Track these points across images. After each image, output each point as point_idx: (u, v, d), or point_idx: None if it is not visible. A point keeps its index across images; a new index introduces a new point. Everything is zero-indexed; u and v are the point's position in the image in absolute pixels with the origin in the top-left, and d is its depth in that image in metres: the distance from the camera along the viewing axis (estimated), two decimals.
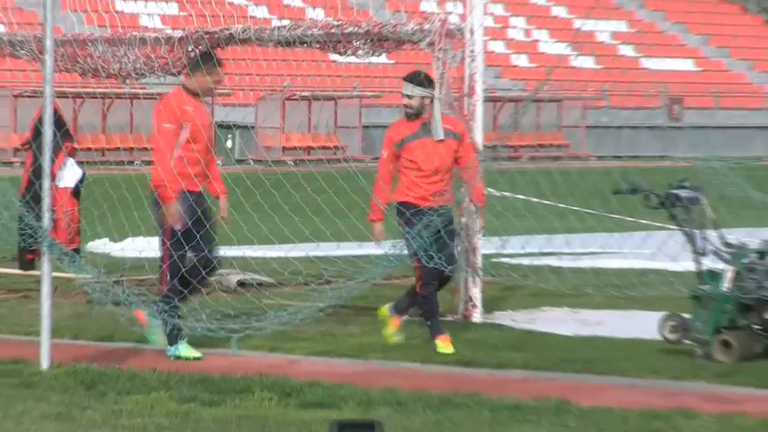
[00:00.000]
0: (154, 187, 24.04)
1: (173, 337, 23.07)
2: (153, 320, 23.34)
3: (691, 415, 19.78)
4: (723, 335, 23.30)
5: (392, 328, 24.71)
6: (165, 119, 24.39)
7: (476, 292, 26.89)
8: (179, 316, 23.26)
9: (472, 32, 27.49)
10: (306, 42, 30.95)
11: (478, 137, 27.27)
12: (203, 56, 24.75)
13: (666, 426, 19.11)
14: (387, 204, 25.46)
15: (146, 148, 56.11)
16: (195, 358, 22.97)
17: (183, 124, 24.03)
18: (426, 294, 24.42)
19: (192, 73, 24.55)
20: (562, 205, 31.26)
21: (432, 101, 25.38)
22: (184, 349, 23.14)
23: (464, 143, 25.92)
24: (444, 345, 24.24)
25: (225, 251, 26.00)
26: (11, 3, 45.54)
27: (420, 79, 25.38)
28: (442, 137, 24.68)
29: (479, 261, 25.61)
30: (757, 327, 23.39)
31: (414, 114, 24.93)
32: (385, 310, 25.34)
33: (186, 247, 23.26)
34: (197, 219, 23.47)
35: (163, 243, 23.69)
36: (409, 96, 25.47)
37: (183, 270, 23.55)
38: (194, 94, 24.60)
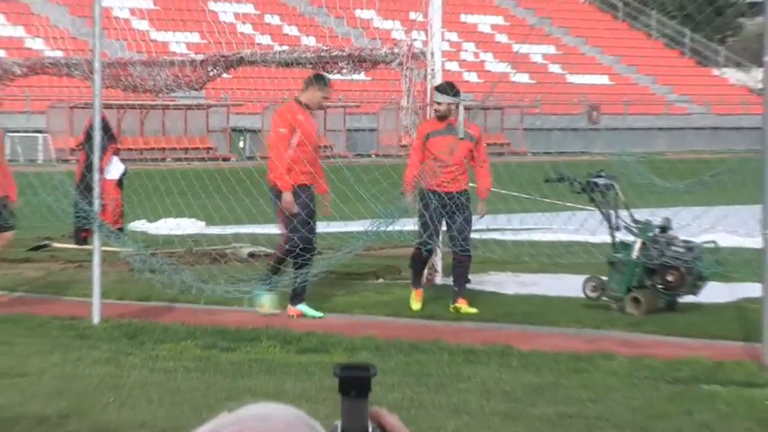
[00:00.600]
0: (273, 181, 24.24)
1: (297, 299, 23.34)
2: (260, 290, 23.48)
3: (609, 357, 19.85)
4: (633, 293, 23.50)
5: (415, 298, 24.56)
6: (280, 124, 24.45)
7: (437, 261, 26.94)
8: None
9: (432, 55, 27.57)
10: (301, 63, 31.01)
11: None
12: (316, 76, 24.77)
13: (589, 365, 19.20)
14: (415, 179, 25.13)
15: (174, 148, 55.74)
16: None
17: (295, 130, 23.94)
18: (417, 259, 24.63)
19: (305, 88, 24.61)
20: (504, 191, 31.22)
21: (457, 106, 25.51)
22: (307, 309, 23.25)
23: (479, 146, 26.05)
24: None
25: (241, 229, 25.99)
26: (67, 33, 45.20)
27: (448, 90, 25.55)
28: (462, 136, 24.69)
29: (440, 237, 25.57)
30: (660, 286, 23.63)
31: (442, 116, 25.04)
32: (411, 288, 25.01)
33: (300, 230, 23.52)
34: (307, 208, 23.67)
35: (281, 226, 23.91)
36: (439, 103, 25.40)
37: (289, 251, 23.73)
38: (305, 106, 24.51)
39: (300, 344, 20.82)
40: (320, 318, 23.32)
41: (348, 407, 2.88)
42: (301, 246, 23.34)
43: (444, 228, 24.89)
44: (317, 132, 24.60)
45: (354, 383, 2.90)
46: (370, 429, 2.84)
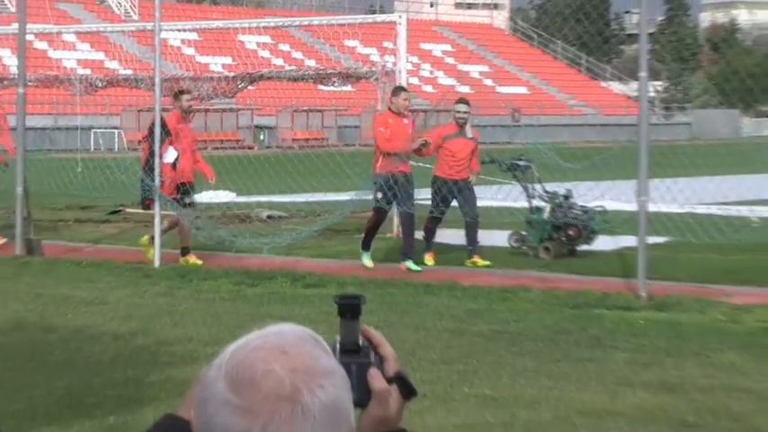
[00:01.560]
0: (375, 168, 23.81)
1: (365, 247, 23.28)
2: (364, 253, 23.44)
3: (527, 289, 19.87)
4: (545, 243, 23.63)
5: (429, 260, 24.16)
6: (379, 125, 24.02)
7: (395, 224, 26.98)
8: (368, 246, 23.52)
9: (399, 72, 27.47)
10: (305, 79, 30.98)
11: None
12: (395, 88, 24.63)
13: (513, 296, 19.28)
14: (429, 155, 25.12)
15: (213, 140, 55.42)
16: (369, 268, 22.85)
17: (388, 130, 23.59)
18: (430, 228, 24.41)
19: (392, 98, 24.22)
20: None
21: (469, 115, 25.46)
22: (366, 259, 23.18)
23: (476, 146, 25.46)
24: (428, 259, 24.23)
25: (262, 198, 25.95)
26: (135, 57, 44.93)
27: (467, 102, 25.43)
28: (470, 136, 24.67)
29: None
30: (564, 239, 23.79)
31: (462, 123, 24.60)
32: (423, 254, 24.34)
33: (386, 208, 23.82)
34: (402, 187, 23.46)
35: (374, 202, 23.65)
36: (460, 111, 25.10)
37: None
38: (395, 112, 24.01)
39: (305, 281, 20.88)
40: (419, 271, 22.86)
41: (344, 326, 2.88)
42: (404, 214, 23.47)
43: (455, 204, 24.64)
44: (407, 130, 24.36)
45: (349, 309, 2.90)
46: (360, 342, 2.83)
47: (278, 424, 2.36)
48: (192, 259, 23.64)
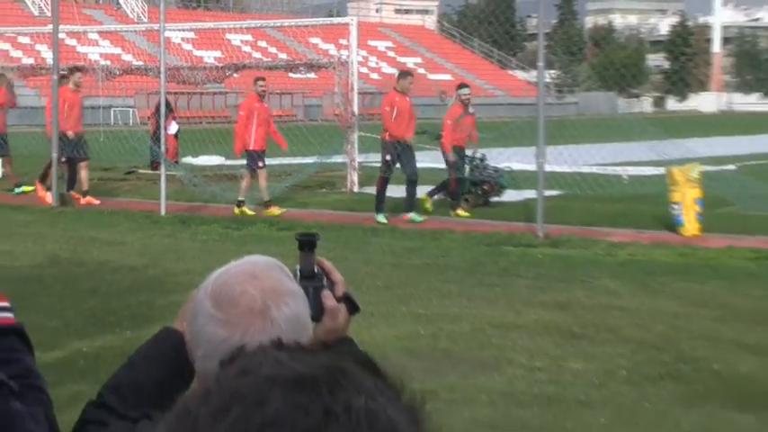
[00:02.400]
0: (383, 138, 23.07)
1: (378, 210, 22.29)
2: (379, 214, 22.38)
3: (451, 232, 19.84)
4: (465, 196, 23.46)
5: (428, 204, 23.77)
6: (387, 104, 23.15)
7: (355, 177, 26.69)
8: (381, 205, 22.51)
9: (352, 63, 27.30)
10: (278, 68, 30.85)
11: (355, 109, 27.07)
12: (403, 72, 24.20)
13: (440, 236, 19.29)
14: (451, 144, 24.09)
15: (206, 117, 54.58)
16: (382, 222, 21.82)
17: (395, 108, 22.82)
18: (456, 188, 23.86)
19: (398, 81, 23.52)
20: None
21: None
22: (380, 218, 22.06)
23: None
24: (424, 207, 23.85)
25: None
26: (145, 52, 44.50)
27: (468, 86, 24.96)
28: (471, 111, 24.21)
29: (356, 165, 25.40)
30: (479, 192, 23.72)
31: (467, 102, 24.03)
32: (424, 195, 24.05)
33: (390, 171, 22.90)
34: (406, 152, 22.94)
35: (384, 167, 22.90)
36: (465, 94, 24.42)
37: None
38: (400, 92, 23.26)
39: (278, 225, 20.77)
40: (422, 221, 22.15)
41: (303, 257, 2.94)
42: (387, 177, 22.64)
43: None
44: (410, 107, 23.76)
45: (307, 243, 2.95)
46: (315, 269, 2.89)
47: (252, 333, 2.44)
48: (276, 210, 23.06)
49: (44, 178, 25.17)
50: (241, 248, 18.34)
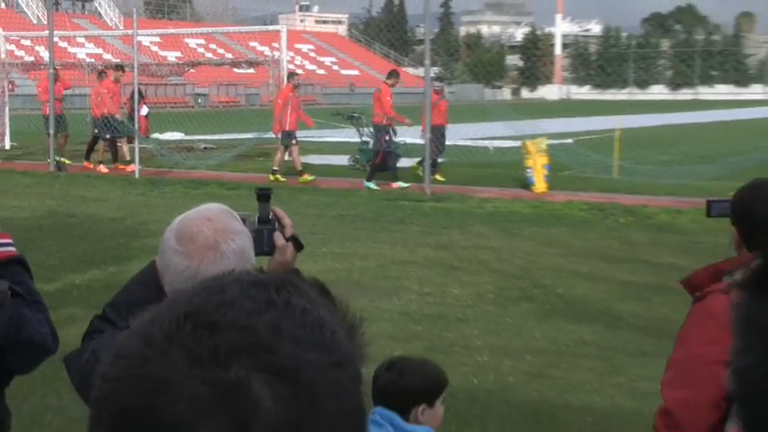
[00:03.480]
0: (380, 122, 21.60)
1: (370, 179, 20.86)
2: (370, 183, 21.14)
3: (359, 190, 19.89)
4: (370, 162, 23.31)
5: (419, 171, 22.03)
6: (387, 95, 21.64)
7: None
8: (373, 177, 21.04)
9: (282, 61, 27.00)
10: (225, 64, 30.43)
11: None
12: (392, 71, 22.65)
13: (352, 194, 19.36)
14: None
15: (170, 102, 53.37)
16: (373, 189, 20.44)
17: (392, 98, 21.63)
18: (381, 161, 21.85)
19: (388, 77, 22.05)
20: (320, 120, 30.71)
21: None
22: (371, 185, 20.62)
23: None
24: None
25: (203, 136, 25.58)
26: (121, 52, 43.57)
27: (441, 78, 24.08)
28: (447, 97, 23.36)
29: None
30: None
31: (440, 91, 22.91)
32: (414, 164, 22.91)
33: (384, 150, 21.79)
34: (391, 134, 21.69)
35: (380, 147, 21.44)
36: (438, 84, 23.64)
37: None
38: (391, 86, 21.60)
39: (227, 186, 20.54)
40: (407, 187, 20.92)
41: (260, 206, 3.01)
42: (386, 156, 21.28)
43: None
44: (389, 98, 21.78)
45: (264, 196, 3.00)
46: (270, 216, 2.94)
47: (206, 263, 2.52)
48: (308, 177, 21.85)
49: (88, 154, 24.55)
50: (199, 203, 18.15)
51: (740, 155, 24.56)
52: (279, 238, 3.00)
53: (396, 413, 3.63)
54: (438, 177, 21.74)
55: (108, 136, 24.15)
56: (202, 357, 0.85)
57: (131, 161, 23.85)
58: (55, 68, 25.33)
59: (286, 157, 22.87)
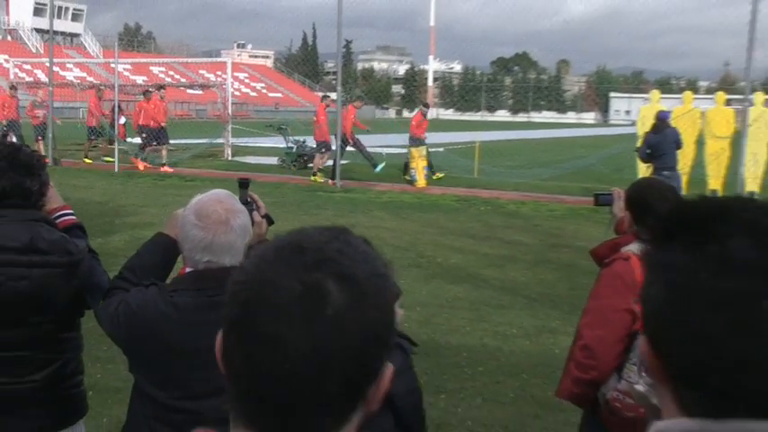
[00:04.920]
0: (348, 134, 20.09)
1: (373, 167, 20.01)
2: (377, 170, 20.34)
3: (287, 183, 19.61)
4: (294, 163, 23.05)
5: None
6: (353, 115, 20.33)
7: (229, 151, 25.92)
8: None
9: (226, 86, 26.40)
10: (181, 86, 29.65)
11: (230, 111, 26.26)
12: (357, 96, 21.94)
13: (281, 187, 18.90)
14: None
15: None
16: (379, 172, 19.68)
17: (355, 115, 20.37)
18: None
19: (354, 100, 20.73)
20: (254, 130, 30.01)
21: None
22: (379, 169, 19.98)
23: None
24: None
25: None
26: (102, 76, 42.08)
27: (427, 105, 21.99)
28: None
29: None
30: (303, 161, 23.23)
31: (425, 113, 20.66)
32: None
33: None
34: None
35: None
36: (424, 108, 21.41)
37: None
38: (355, 106, 20.66)
39: (186, 179, 20.03)
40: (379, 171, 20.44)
41: (241, 192, 3.01)
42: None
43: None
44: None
45: (244, 183, 3.01)
46: (248, 199, 2.93)
47: (219, 234, 2.47)
48: (320, 178, 20.23)
49: (141, 150, 23.10)
50: (164, 192, 17.76)
51: (562, 162, 25.13)
52: (256, 216, 2.95)
53: None
54: (438, 175, 20.96)
55: (155, 143, 22.80)
56: (297, 267, 1.07)
57: (165, 164, 22.64)
58: (100, 88, 24.65)
59: (329, 161, 21.04)
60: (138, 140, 24.73)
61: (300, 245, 1.10)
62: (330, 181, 19.89)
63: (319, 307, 1.04)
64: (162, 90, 24.21)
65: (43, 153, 23.06)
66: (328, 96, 21.75)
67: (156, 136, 22.77)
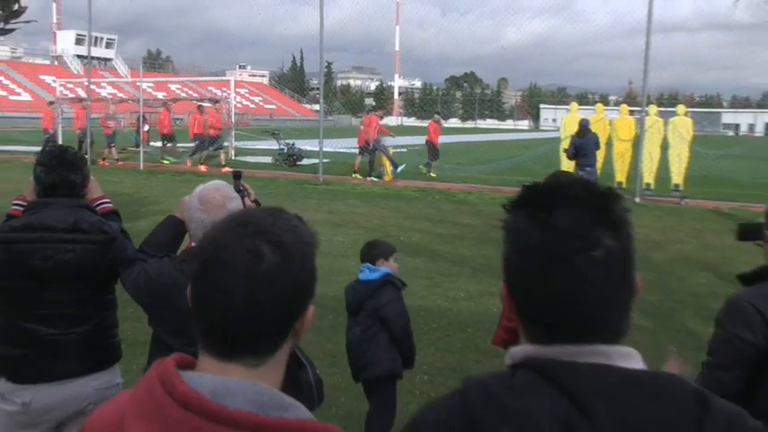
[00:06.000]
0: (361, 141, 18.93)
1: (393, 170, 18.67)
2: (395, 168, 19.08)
3: (278, 178, 19.33)
4: (285, 160, 22.78)
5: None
6: (376, 122, 18.95)
7: (232, 152, 25.62)
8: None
9: (230, 100, 26.09)
10: (193, 100, 29.03)
11: (233, 120, 25.97)
12: (375, 107, 20.89)
13: (272, 181, 18.58)
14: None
15: (155, 124, 51.16)
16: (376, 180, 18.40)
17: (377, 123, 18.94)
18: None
19: (375, 110, 19.71)
20: (259, 137, 29.44)
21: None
22: (400, 170, 18.94)
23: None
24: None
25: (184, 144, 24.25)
26: (129, 92, 41.13)
27: (439, 113, 20.40)
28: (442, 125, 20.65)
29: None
30: (293, 158, 22.98)
31: (438, 120, 20.17)
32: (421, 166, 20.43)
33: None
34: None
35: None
36: (436, 116, 20.70)
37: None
38: (379, 117, 19.53)
39: (198, 175, 19.81)
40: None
41: (235, 182, 3.05)
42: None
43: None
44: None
45: (237, 174, 3.03)
46: (241, 188, 2.94)
47: (218, 216, 2.41)
48: (357, 176, 19.28)
49: (193, 153, 22.20)
50: (182, 185, 17.44)
51: (501, 160, 25.18)
52: (247, 201, 2.93)
53: (370, 263, 4.22)
54: (432, 174, 20.15)
55: (212, 148, 22.00)
56: (241, 236, 1.17)
57: (223, 165, 21.46)
58: (201, 106, 23.26)
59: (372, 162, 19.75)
60: (159, 143, 24.36)
61: (245, 219, 1.20)
62: (368, 178, 19.07)
63: (256, 265, 1.14)
64: (217, 104, 23.83)
65: (115, 157, 22.52)
66: (374, 109, 20.41)
67: (213, 142, 22.02)
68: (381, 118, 20.05)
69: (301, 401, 1.17)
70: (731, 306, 2.30)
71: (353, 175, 19.66)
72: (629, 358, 1.10)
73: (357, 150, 19.92)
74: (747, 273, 2.38)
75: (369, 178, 19.04)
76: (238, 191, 2.95)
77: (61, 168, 3.02)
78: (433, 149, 21.07)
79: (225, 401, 1.08)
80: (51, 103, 24.36)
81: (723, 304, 2.34)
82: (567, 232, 1.09)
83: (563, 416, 1.03)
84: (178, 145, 25.17)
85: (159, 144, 25.27)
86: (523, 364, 1.11)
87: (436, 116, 21.49)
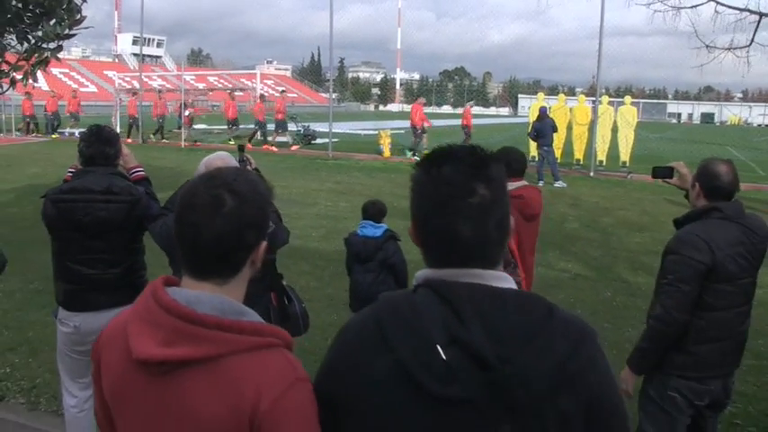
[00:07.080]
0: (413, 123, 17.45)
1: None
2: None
3: (294, 155, 19.08)
4: (302, 141, 22.02)
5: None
6: (419, 110, 17.38)
7: (269, 136, 25.13)
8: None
9: (257, 90, 25.59)
10: (227, 90, 28.23)
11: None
12: (418, 96, 18.76)
13: (291, 157, 18.18)
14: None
15: (201, 110, 49.60)
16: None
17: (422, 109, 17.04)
18: None
19: (417, 99, 17.82)
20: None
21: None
22: (409, 155, 17.45)
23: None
24: None
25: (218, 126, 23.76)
26: (174, 83, 40.39)
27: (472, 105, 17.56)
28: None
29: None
30: (308, 138, 22.49)
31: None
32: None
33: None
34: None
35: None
36: (467, 106, 18.84)
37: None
38: (422, 105, 17.88)
39: (229, 151, 19.73)
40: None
41: (239, 154, 3.05)
42: None
43: None
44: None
45: (241, 147, 3.08)
46: (244, 159, 3.01)
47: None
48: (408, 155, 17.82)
49: (251, 138, 21.59)
50: (194, 158, 17.37)
51: (485, 139, 24.91)
52: (248, 167, 2.99)
53: (372, 221, 4.25)
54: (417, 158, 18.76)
55: (280, 131, 21.28)
56: (209, 186, 1.28)
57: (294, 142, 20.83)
58: (263, 96, 22.34)
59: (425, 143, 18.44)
60: (197, 126, 24.03)
61: (213, 175, 1.32)
62: (411, 158, 17.84)
63: (219, 207, 1.27)
64: (283, 93, 23.35)
65: (191, 140, 21.37)
66: (421, 98, 19.31)
67: (280, 125, 21.25)
68: (424, 105, 18.68)
69: (289, 329, 1.37)
70: (683, 238, 2.52)
71: (408, 154, 18.61)
72: (501, 280, 1.17)
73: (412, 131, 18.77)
74: (680, 217, 2.63)
75: (412, 157, 17.83)
76: (241, 161, 3.03)
77: (98, 143, 3.14)
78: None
79: (195, 307, 1.23)
80: (135, 93, 24.12)
81: (673, 238, 2.55)
82: (449, 183, 1.17)
83: (444, 320, 1.12)
84: (241, 126, 23.71)
85: (204, 127, 24.96)
86: (423, 285, 1.19)
87: (420, 99, 19.15)
